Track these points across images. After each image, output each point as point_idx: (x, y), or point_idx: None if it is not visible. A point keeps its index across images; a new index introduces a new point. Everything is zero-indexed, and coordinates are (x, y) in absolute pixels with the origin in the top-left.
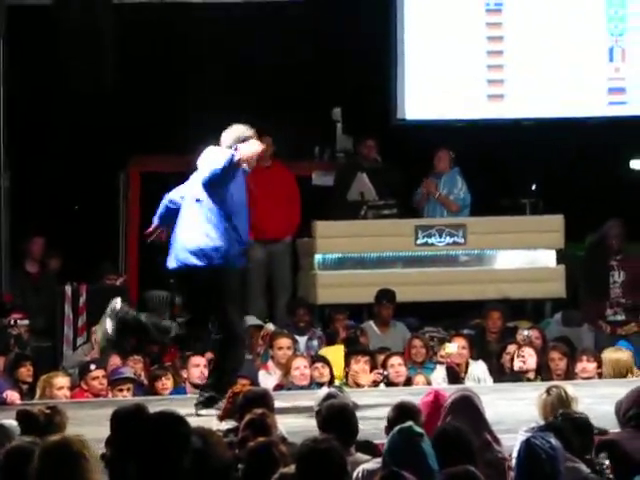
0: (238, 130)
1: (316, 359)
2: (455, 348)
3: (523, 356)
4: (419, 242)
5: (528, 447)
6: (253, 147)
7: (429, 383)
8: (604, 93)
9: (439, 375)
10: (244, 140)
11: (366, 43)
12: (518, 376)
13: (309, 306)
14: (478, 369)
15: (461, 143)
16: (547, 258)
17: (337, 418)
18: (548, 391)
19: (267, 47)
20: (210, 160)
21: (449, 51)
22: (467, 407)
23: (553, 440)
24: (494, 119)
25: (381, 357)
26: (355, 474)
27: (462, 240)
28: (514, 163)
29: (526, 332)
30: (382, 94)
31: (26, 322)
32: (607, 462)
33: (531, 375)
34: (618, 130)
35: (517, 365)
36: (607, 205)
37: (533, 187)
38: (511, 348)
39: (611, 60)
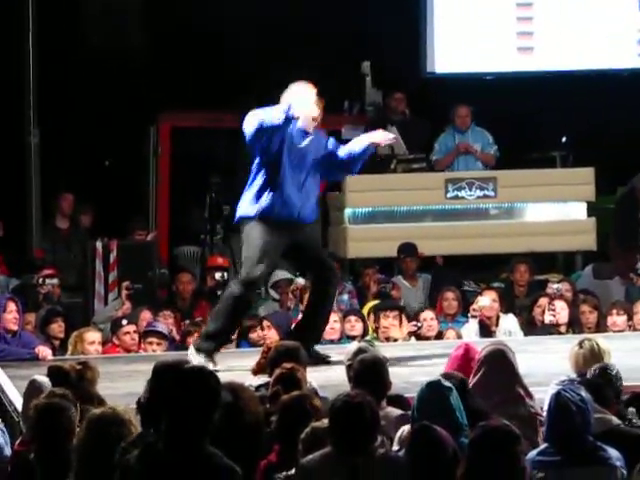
0: (299, 89)
1: (350, 312)
2: (487, 301)
3: (554, 309)
4: (449, 195)
5: (558, 400)
6: (306, 107)
7: (460, 337)
8: (635, 44)
9: (471, 329)
10: (303, 100)
11: None
12: (549, 329)
13: (339, 260)
14: (509, 322)
15: (491, 96)
16: (577, 211)
17: (369, 372)
18: (580, 344)
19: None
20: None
21: (478, 4)
22: (500, 361)
23: (583, 392)
24: (524, 72)
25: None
26: (399, 433)
27: (492, 193)
28: (544, 116)
29: (556, 285)
30: (411, 48)
31: (56, 280)
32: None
33: (562, 329)
34: None
35: (548, 318)
36: (638, 157)
37: (563, 139)
38: (542, 301)
39: None
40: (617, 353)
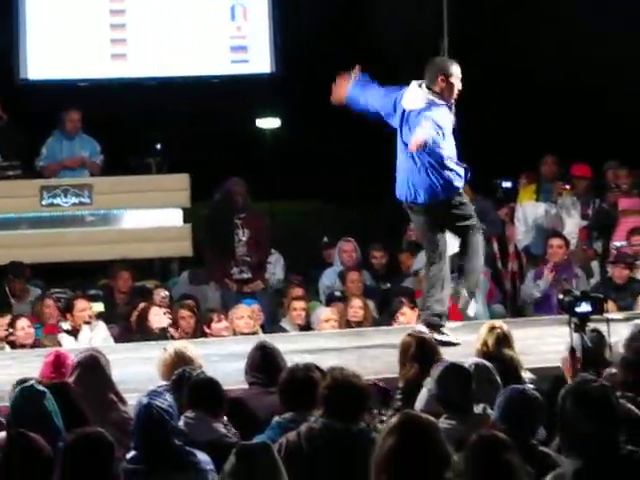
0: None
1: None
2: (103, 307)
3: (159, 315)
4: (44, 203)
5: (144, 407)
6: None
7: (60, 345)
8: (227, 51)
9: (86, 335)
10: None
11: None
12: (151, 334)
13: None
14: (100, 331)
15: (88, 103)
16: (174, 217)
17: None
18: (168, 350)
19: None
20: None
21: (72, 11)
22: (93, 367)
23: (169, 398)
24: (118, 78)
25: None
26: None
27: (88, 200)
28: (139, 122)
29: (165, 292)
30: (4, 53)
31: None
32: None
33: (169, 334)
34: (242, 88)
35: (155, 324)
36: (233, 164)
37: (158, 146)
38: (142, 307)
39: (233, 19)
40: (214, 358)
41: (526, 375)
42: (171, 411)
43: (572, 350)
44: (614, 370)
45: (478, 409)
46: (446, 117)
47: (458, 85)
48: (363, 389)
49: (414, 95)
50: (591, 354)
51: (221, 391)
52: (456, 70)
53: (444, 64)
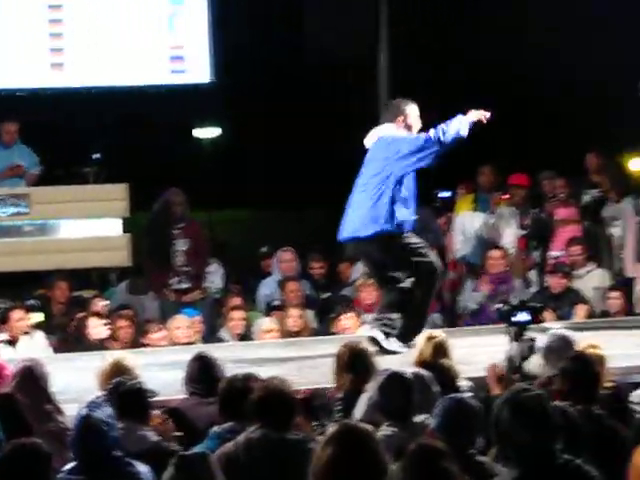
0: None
1: None
2: (42, 317)
3: (97, 326)
4: None
5: (83, 418)
6: None
7: None
8: (166, 61)
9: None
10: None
11: None
12: (89, 345)
13: None
14: (39, 340)
15: (27, 112)
16: (112, 227)
17: None
18: (106, 361)
19: None
20: None
21: (9, 19)
22: (31, 377)
23: (109, 409)
24: (57, 88)
25: None
26: None
27: (26, 210)
28: (77, 132)
29: (105, 302)
30: None
31: None
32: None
33: (114, 344)
34: (181, 98)
35: (93, 335)
36: (173, 173)
37: (96, 156)
38: (80, 317)
39: (171, 28)
40: (153, 367)
41: (463, 384)
42: (110, 422)
43: (510, 359)
44: (550, 378)
45: (418, 418)
46: None
47: (417, 125)
48: (293, 398)
49: (373, 132)
50: (527, 363)
51: (145, 397)
52: (414, 110)
53: (402, 105)
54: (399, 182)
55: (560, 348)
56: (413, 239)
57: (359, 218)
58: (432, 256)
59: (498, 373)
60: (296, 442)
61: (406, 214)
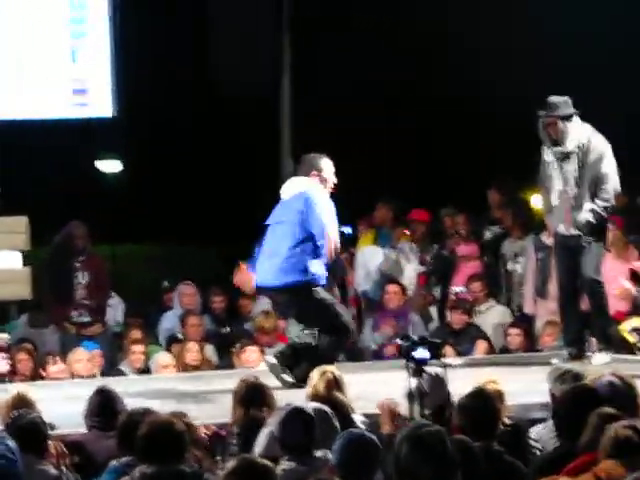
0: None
1: None
2: None
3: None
4: None
5: None
6: None
7: None
8: (69, 94)
9: None
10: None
11: None
12: None
13: None
14: None
15: None
16: (12, 260)
17: None
18: (7, 394)
19: None
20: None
21: None
22: None
23: (11, 443)
24: None
25: None
26: None
27: None
28: None
29: (5, 335)
30: None
31: None
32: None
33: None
34: (83, 131)
35: None
36: (74, 206)
37: None
38: None
39: (74, 61)
40: (54, 401)
41: (359, 419)
42: (10, 456)
43: (410, 394)
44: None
45: (319, 453)
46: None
47: (332, 179)
48: (180, 432)
49: (291, 184)
50: (428, 399)
51: (44, 431)
52: (328, 165)
53: (316, 161)
54: (315, 236)
55: (432, 387)
56: (325, 294)
57: (274, 267)
58: (346, 315)
59: (390, 410)
60: (191, 475)
61: (320, 268)
